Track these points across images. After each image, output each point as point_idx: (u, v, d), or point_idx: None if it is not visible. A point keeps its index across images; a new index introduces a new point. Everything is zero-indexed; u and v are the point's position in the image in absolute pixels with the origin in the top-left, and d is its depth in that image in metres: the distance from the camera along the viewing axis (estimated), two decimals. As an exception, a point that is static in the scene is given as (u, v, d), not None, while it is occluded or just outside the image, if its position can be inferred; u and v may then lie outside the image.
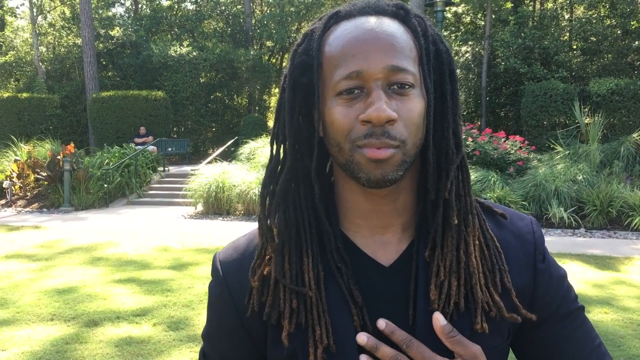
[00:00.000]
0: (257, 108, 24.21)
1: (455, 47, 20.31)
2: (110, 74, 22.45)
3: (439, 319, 0.76)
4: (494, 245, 0.83)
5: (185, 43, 23.06)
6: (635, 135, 12.25)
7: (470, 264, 0.80)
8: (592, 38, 17.26)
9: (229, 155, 16.27)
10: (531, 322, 0.82)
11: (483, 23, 19.14)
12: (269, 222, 0.83)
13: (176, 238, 9.37)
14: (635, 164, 11.68)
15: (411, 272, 0.80)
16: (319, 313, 0.78)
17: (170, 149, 18.50)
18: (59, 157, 13.48)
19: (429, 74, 0.78)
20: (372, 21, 0.77)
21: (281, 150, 0.83)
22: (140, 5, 26.57)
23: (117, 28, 22.63)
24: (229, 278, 0.88)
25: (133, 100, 18.75)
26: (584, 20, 17.94)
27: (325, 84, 0.78)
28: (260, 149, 13.64)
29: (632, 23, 17.26)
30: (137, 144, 17.04)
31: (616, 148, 11.97)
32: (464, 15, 20.77)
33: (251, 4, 25.44)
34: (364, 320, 0.78)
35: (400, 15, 0.80)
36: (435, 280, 0.78)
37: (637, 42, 17.15)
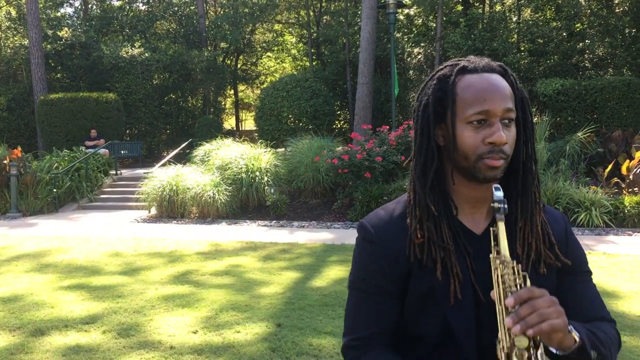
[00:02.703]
0: (212, 110, 23.99)
1: (408, 49, 20.61)
2: (59, 75, 21.88)
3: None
4: (545, 222, 1.26)
5: (137, 44, 22.67)
6: (580, 134, 12.67)
7: (536, 232, 1.23)
8: (538, 40, 17.77)
9: (183, 158, 16.09)
10: (565, 270, 1.25)
11: (434, 25, 19.47)
12: (427, 201, 1.20)
13: (128, 243, 9.21)
14: (580, 161, 12.08)
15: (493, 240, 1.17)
16: (454, 260, 1.18)
17: (122, 152, 18.17)
18: (5, 161, 13.07)
19: (520, 112, 1.21)
20: (493, 77, 1.18)
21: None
22: (89, 6, 25.98)
23: (66, 29, 22.06)
24: (381, 236, 1.24)
25: (83, 102, 18.32)
26: (531, 22, 18.45)
27: (457, 114, 1.17)
28: (215, 151, 13.52)
29: (576, 25, 17.86)
30: (88, 147, 16.65)
31: (562, 146, 12.36)
32: (415, 18, 21.07)
33: (205, 5, 25.24)
34: (472, 265, 1.19)
35: (504, 73, 1.22)
36: (522, 241, 1.21)
37: (581, 44, 17.75)
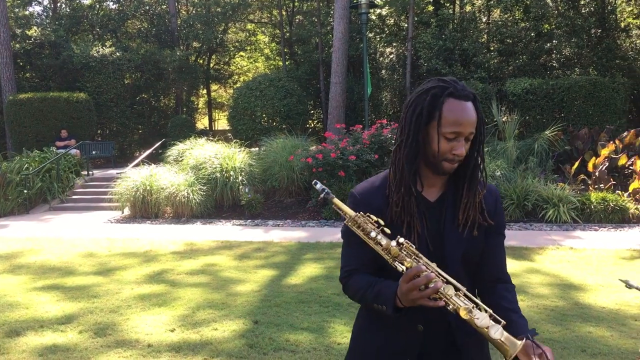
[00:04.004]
0: (184, 109, 23.86)
1: (380, 49, 20.78)
2: (28, 75, 21.51)
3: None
4: (482, 198, 1.77)
5: (108, 43, 22.42)
6: (547, 132, 12.97)
7: (474, 206, 1.74)
8: (507, 40, 18.09)
9: (157, 158, 15.99)
10: (488, 229, 1.78)
11: (406, 25, 19.68)
12: (410, 182, 1.69)
13: (102, 243, 9.16)
14: (548, 159, 12.37)
15: (444, 206, 1.75)
16: (416, 221, 1.70)
17: (94, 152, 17.96)
18: (-27, 162, 12.84)
19: (478, 129, 1.68)
20: (467, 106, 1.64)
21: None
22: (59, 4, 25.57)
23: (35, 27, 21.72)
24: (365, 200, 1.76)
25: (53, 102, 18.06)
26: (500, 23, 18.77)
27: (439, 126, 1.63)
28: (189, 151, 13.48)
29: (544, 26, 18.23)
30: (58, 148, 16.43)
31: (531, 145, 12.64)
32: (387, 18, 21.25)
33: (176, 4, 25.06)
34: (426, 222, 1.71)
35: (474, 100, 1.67)
36: (463, 210, 1.73)
37: (548, 44, 18.13)
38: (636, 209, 9.97)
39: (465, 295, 1.55)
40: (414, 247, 1.62)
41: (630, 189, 10.41)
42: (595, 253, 7.70)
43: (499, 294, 1.78)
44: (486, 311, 1.53)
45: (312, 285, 6.31)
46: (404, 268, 1.59)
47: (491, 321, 1.51)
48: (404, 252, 1.60)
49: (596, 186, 10.82)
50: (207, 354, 4.37)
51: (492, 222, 1.77)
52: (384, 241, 1.63)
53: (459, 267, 1.71)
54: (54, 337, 4.81)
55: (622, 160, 11.36)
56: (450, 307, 1.52)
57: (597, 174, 10.98)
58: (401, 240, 1.61)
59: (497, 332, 1.49)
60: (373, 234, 1.64)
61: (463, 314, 1.51)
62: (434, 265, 1.59)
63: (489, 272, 1.81)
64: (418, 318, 1.70)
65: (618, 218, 9.86)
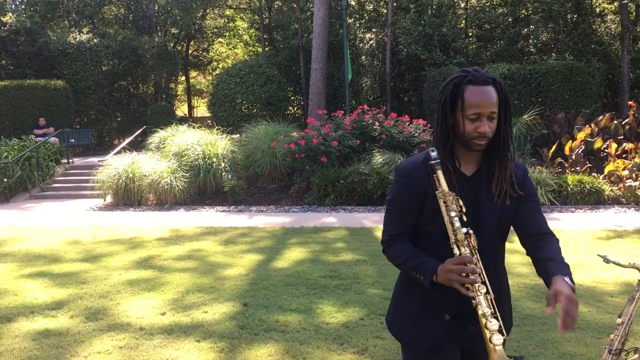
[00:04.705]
0: (164, 96, 23.69)
1: (360, 35, 20.83)
2: (4, 62, 21.13)
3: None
4: (512, 172, 1.98)
5: (84, 30, 22.12)
6: (525, 116, 13.21)
7: (506, 179, 1.95)
8: (485, 26, 18.29)
9: (138, 145, 15.92)
10: (521, 198, 1.98)
11: (385, 11, 19.75)
12: (447, 162, 1.92)
13: (86, 231, 9.17)
14: (527, 143, 12.61)
15: (479, 180, 1.96)
16: (455, 192, 1.88)
17: (72, 140, 17.79)
18: (-49, 151, 12.68)
19: (502, 108, 1.90)
20: (486, 89, 1.85)
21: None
22: (33, -10, 25.08)
23: (10, 14, 21.31)
24: (410, 175, 1.97)
25: (30, 89, 17.83)
26: (478, 8, 18.96)
27: (462, 110, 1.86)
28: (170, 138, 13.46)
29: (521, 11, 18.45)
30: (37, 136, 16.27)
31: (509, 129, 12.84)
32: (367, 3, 21.30)
33: (154, -10, 24.73)
34: (465, 195, 1.93)
35: (494, 83, 1.88)
36: (496, 184, 1.94)
37: (525, 30, 18.36)
38: (611, 190, 10.25)
39: (491, 300, 1.76)
40: (476, 242, 1.84)
41: (606, 171, 10.69)
42: (572, 234, 7.94)
43: (546, 242, 1.98)
44: (498, 320, 1.73)
45: (298, 269, 6.43)
46: (459, 253, 1.80)
47: (498, 331, 1.71)
48: (466, 242, 1.81)
49: (573, 169, 11.09)
50: (199, 336, 4.46)
51: (521, 192, 1.98)
52: (457, 224, 1.82)
53: (493, 234, 1.96)
54: (45, 322, 4.87)
55: (598, 143, 11.64)
56: (475, 302, 1.74)
57: (573, 157, 11.24)
58: (470, 231, 1.84)
59: (498, 340, 1.69)
60: (453, 214, 1.83)
61: (480, 313, 1.73)
62: (481, 265, 1.80)
63: (532, 230, 2.00)
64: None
65: (594, 200, 10.14)
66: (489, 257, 1.91)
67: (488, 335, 1.70)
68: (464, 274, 1.75)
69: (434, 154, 1.89)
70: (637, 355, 2.96)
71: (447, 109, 1.91)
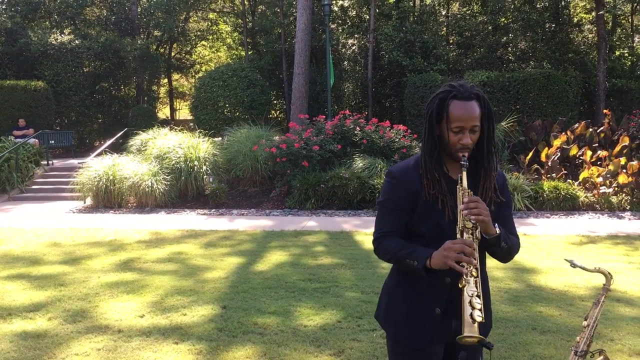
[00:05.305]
0: (146, 99, 23.59)
1: (343, 40, 20.97)
2: (-17, 62, 20.92)
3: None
4: (494, 179, 2.15)
5: (66, 31, 21.97)
6: (503, 123, 13.42)
7: (490, 186, 2.13)
8: (466, 33, 18.53)
9: (119, 147, 15.86)
10: (500, 204, 2.15)
11: (368, 17, 19.92)
12: (433, 171, 2.07)
13: (66, 233, 9.14)
14: (504, 149, 12.82)
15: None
16: (446, 194, 2.07)
17: (52, 142, 17.66)
18: None
19: (484, 121, 2.05)
20: (469, 105, 2.00)
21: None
22: (14, -10, 24.85)
23: (-11, 14, 21.12)
24: (401, 178, 2.12)
25: (10, 90, 17.68)
26: (459, 16, 19.21)
27: (447, 122, 2.01)
28: (152, 141, 13.44)
29: (501, 20, 18.74)
30: (16, 137, 16.13)
31: (488, 135, 13.04)
32: (349, 9, 21.46)
33: (136, -9, 24.64)
34: (454, 198, 2.04)
35: (478, 98, 2.03)
36: (482, 190, 2.10)
37: (505, 38, 18.65)
38: (586, 197, 10.47)
39: (477, 283, 1.90)
40: (478, 234, 1.99)
41: (581, 178, 10.91)
42: (547, 239, 8.11)
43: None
44: (480, 304, 1.85)
45: (278, 272, 6.50)
46: (461, 238, 1.96)
47: (477, 309, 1.83)
48: (471, 231, 1.96)
49: (549, 175, 11.30)
50: (177, 338, 4.51)
51: (503, 199, 2.17)
52: (465, 212, 1.97)
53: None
54: (23, 325, 4.87)
55: (573, 150, 11.88)
56: (464, 280, 1.87)
57: (549, 163, 11.45)
58: (478, 224, 1.99)
59: (479, 317, 1.81)
60: (462, 207, 1.99)
61: (465, 289, 1.86)
62: (477, 254, 1.94)
63: None
64: (445, 273, 2.01)
65: (569, 206, 10.34)
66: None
67: (469, 311, 1.80)
68: (463, 254, 1.87)
69: (464, 157, 2.07)
70: (602, 357, 3.08)
71: (433, 121, 2.06)
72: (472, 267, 1.87)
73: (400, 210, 2.12)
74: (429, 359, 2.16)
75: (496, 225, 2.02)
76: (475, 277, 1.87)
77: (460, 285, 1.86)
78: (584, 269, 3.08)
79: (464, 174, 2.01)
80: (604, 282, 3.15)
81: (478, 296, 1.84)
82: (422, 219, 2.09)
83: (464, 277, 1.86)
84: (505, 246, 2.05)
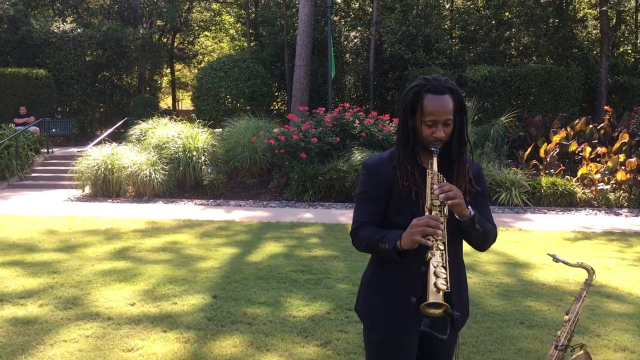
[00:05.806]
0: (147, 88, 23.58)
1: (345, 32, 20.91)
2: (-15, 50, 20.94)
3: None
4: (469, 170, 2.19)
5: (68, 19, 21.94)
6: (503, 118, 13.39)
7: (464, 176, 2.16)
8: (469, 27, 18.47)
9: (119, 137, 15.88)
10: (475, 194, 2.18)
11: (371, 10, 19.84)
12: (406, 163, 2.12)
13: (63, 221, 9.17)
14: (504, 144, 12.80)
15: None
16: (420, 185, 2.09)
17: (54, 130, 17.69)
18: None
19: (457, 115, 2.08)
20: (443, 99, 2.03)
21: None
22: (17, -23, 24.83)
23: (-8, 1, 21.10)
24: (375, 170, 2.16)
25: (11, 78, 17.69)
26: (462, 10, 19.13)
27: (421, 116, 2.05)
28: (151, 130, 13.45)
29: (505, 14, 18.65)
30: (17, 125, 16.14)
31: (487, 130, 13.04)
32: (352, 1, 21.38)
33: (140, -19, 24.60)
34: (425, 185, 2.07)
35: (451, 91, 2.06)
36: (456, 180, 2.13)
37: (508, 33, 18.57)
38: (583, 193, 10.46)
39: (445, 259, 1.87)
40: (446, 211, 1.99)
41: (579, 174, 10.89)
42: (542, 234, 8.11)
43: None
44: (445, 274, 1.83)
45: (271, 263, 6.52)
46: (429, 214, 1.98)
47: (442, 278, 1.81)
48: (439, 208, 1.97)
49: (547, 171, 11.28)
50: (165, 326, 4.53)
51: (479, 188, 2.20)
52: (437, 191, 1.96)
53: (453, 225, 2.07)
54: (14, 311, 4.90)
55: (573, 146, 11.85)
56: (430, 252, 1.86)
57: (548, 159, 11.43)
58: (445, 203, 1.99)
59: (442, 286, 1.78)
60: (435, 186, 1.99)
61: (431, 261, 1.85)
62: (445, 232, 1.93)
63: None
64: (421, 263, 2.01)
65: (566, 202, 10.33)
66: (449, 247, 1.99)
67: (433, 280, 1.80)
68: (428, 229, 1.87)
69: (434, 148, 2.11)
70: (582, 352, 3.09)
71: (407, 114, 2.10)
72: (438, 241, 1.87)
73: (374, 200, 2.15)
74: (404, 350, 2.17)
75: (469, 207, 2.04)
76: (441, 250, 1.87)
77: (426, 259, 1.86)
78: (566, 263, 3.10)
79: (435, 159, 2.05)
80: (586, 277, 3.16)
81: (444, 267, 1.84)
82: (398, 210, 2.12)
83: (430, 251, 1.86)
84: (480, 228, 2.06)
